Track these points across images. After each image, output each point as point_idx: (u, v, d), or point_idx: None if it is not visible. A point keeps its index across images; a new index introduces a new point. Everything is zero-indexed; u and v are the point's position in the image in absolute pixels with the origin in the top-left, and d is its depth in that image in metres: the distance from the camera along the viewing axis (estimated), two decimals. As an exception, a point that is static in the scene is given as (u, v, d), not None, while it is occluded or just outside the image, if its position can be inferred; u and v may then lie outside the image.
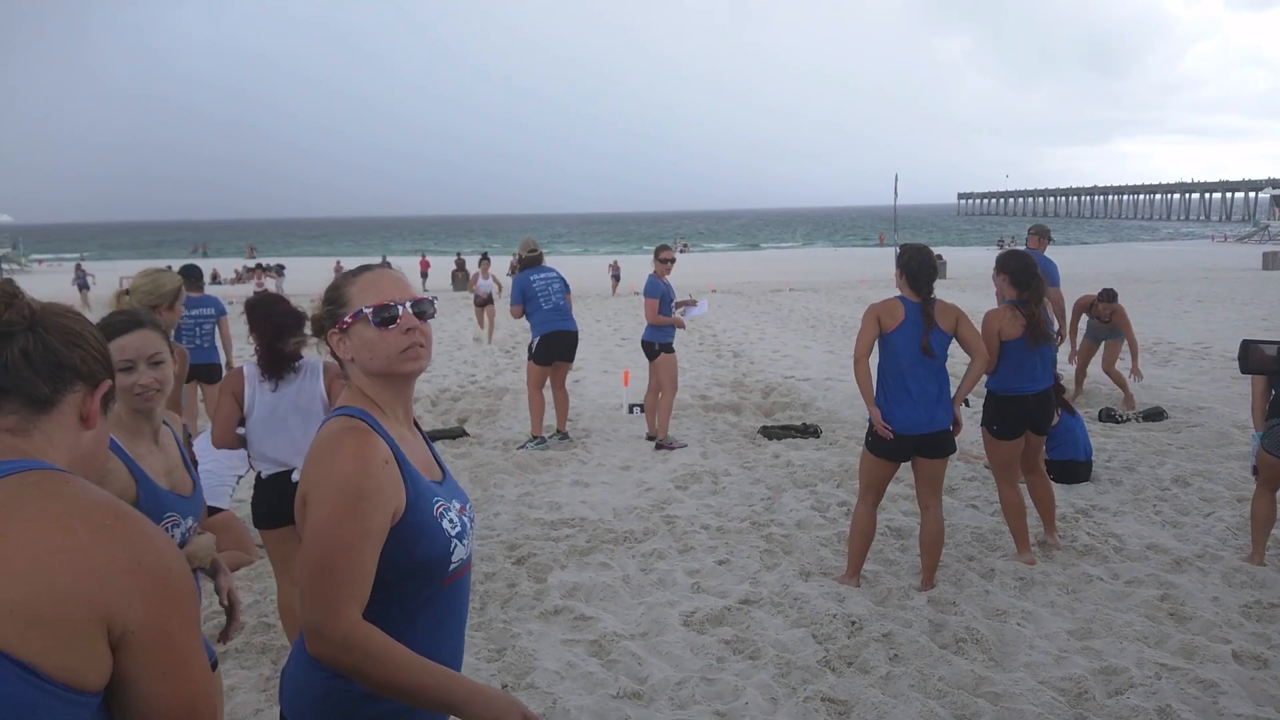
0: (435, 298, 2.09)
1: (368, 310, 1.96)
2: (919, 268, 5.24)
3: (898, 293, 5.34)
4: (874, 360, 5.27)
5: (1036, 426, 5.90)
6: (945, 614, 5.02)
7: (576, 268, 49.24)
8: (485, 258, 19.92)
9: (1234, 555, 5.78)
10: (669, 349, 9.14)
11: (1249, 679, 4.25)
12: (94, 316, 1.75)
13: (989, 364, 5.61)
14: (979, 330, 5.48)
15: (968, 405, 6.54)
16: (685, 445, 9.02)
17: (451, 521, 1.96)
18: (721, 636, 4.80)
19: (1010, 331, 5.67)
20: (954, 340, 5.32)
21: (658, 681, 4.34)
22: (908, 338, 5.16)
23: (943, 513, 5.53)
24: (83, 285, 33.05)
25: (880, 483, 5.43)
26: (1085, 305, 10.54)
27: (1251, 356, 5.50)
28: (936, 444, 5.25)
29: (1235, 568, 5.57)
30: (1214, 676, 4.22)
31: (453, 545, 1.94)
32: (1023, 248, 10.04)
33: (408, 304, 1.99)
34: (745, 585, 5.49)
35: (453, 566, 1.96)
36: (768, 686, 4.27)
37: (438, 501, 1.95)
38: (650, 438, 9.27)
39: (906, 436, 5.20)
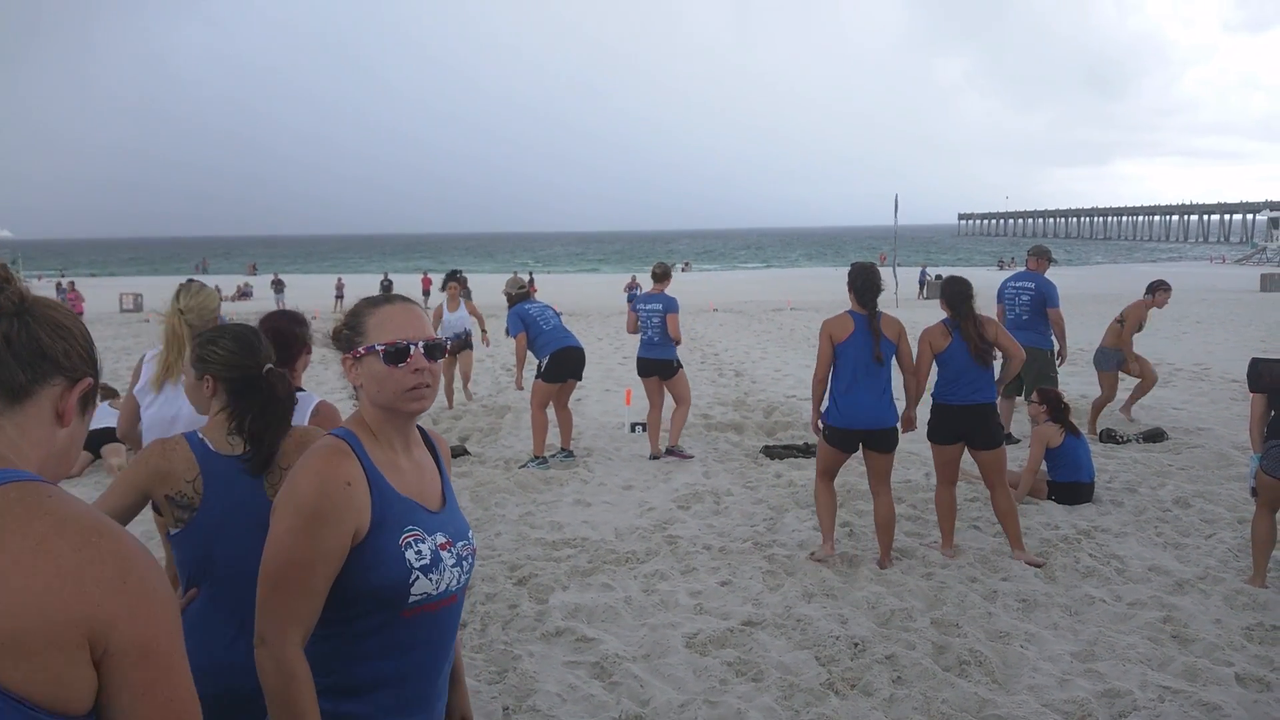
0: (448, 339, 2.14)
1: (380, 347, 2.00)
2: (864, 284, 6.01)
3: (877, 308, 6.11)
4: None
5: (973, 440, 6.30)
6: (948, 636, 5.02)
7: (578, 286, 49.36)
8: (454, 278, 11.89)
9: (1235, 577, 5.78)
10: (680, 363, 9.53)
11: (1252, 702, 4.24)
12: None
13: (919, 375, 6.33)
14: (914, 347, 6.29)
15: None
16: (692, 456, 9.27)
17: (419, 553, 1.95)
18: (724, 658, 4.80)
19: (939, 345, 6.27)
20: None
21: (660, 704, 4.34)
22: (858, 346, 5.95)
23: (892, 496, 6.23)
24: None
25: (832, 468, 6.25)
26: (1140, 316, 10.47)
27: (1262, 374, 5.50)
28: (881, 439, 6.04)
29: (1237, 589, 5.57)
30: (1217, 699, 4.22)
31: (413, 577, 1.93)
32: (1023, 269, 10.09)
33: (420, 344, 2.02)
34: (748, 606, 5.48)
35: (414, 599, 1.94)
36: (771, 709, 4.26)
37: (410, 531, 1.96)
38: (654, 457, 9.29)
39: (855, 431, 6.02)
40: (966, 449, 6.40)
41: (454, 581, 2.03)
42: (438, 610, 2.01)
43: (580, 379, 9.44)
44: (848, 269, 6.26)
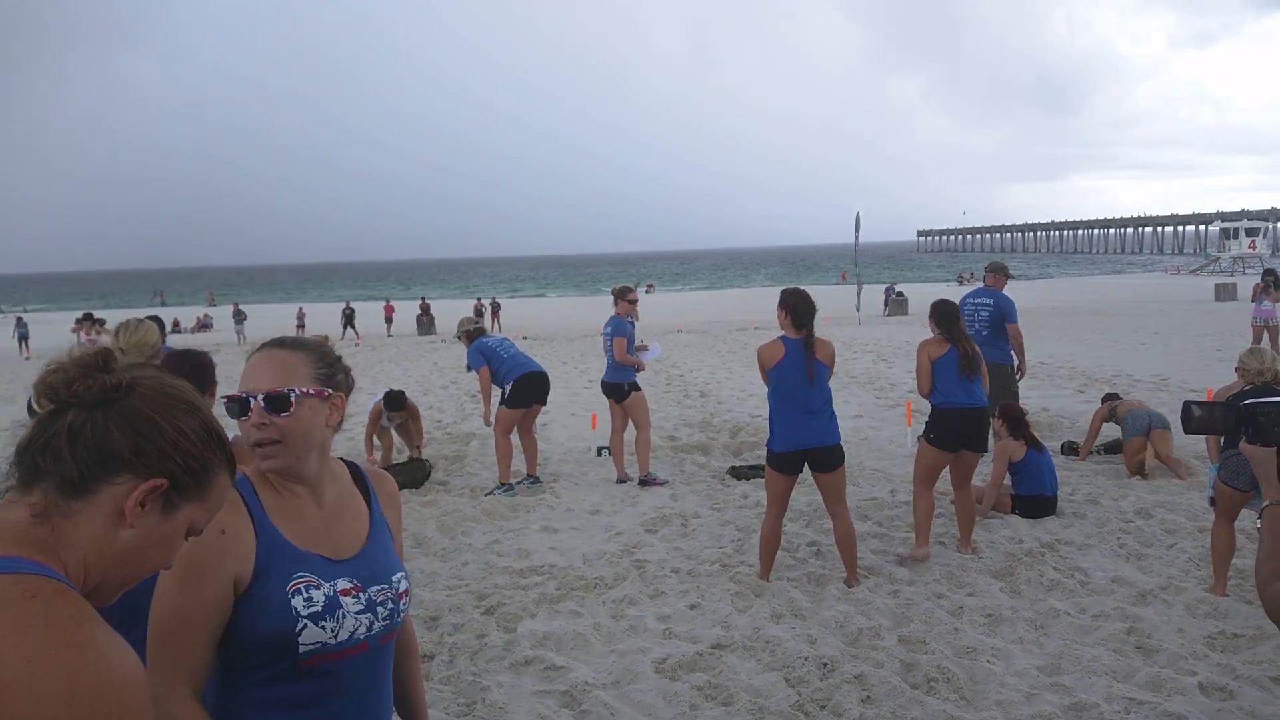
0: (293, 391, 1.91)
1: (223, 400, 1.94)
2: (800, 308, 6.12)
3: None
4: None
5: (972, 443, 6.63)
6: (916, 653, 5.03)
7: (541, 311, 49.30)
8: (398, 406, 10.16)
9: (1197, 586, 5.85)
10: (636, 387, 9.37)
11: (1215, 710, 4.29)
12: None
13: (920, 384, 6.70)
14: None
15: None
16: (668, 481, 9.17)
17: (309, 600, 1.85)
18: (694, 683, 4.78)
19: (936, 352, 6.64)
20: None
21: (631, 731, 4.31)
22: (788, 370, 6.02)
23: (849, 515, 6.27)
24: None
25: (780, 496, 6.20)
26: (1105, 415, 9.70)
27: (1192, 418, 5.23)
28: (824, 458, 6.04)
29: (1198, 599, 5.64)
30: (1181, 709, 4.26)
31: (300, 625, 1.84)
32: (980, 285, 10.21)
33: (259, 397, 1.89)
34: (717, 629, 5.47)
35: (306, 649, 1.85)
36: (741, 732, 4.25)
37: (300, 578, 1.87)
38: (620, 481, 9.28)
39: (794, 452, 6.04)
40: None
41: (361, 629, 1.92)
42: (343, 660, 1.91)
43: (545, 403, 9.42)
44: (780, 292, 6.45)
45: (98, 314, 21.62)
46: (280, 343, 2.02)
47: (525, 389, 9.09)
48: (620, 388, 9.25)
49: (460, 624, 5.68)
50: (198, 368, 3.79)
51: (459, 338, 9.77)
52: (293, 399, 1.91)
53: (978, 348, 6.74)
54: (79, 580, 1.26)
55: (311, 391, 1.94)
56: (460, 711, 4.57)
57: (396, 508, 2.16)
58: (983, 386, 6.73)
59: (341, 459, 2.13)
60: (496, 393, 9.34)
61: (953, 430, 6.58)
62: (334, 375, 2.01)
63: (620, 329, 9.20)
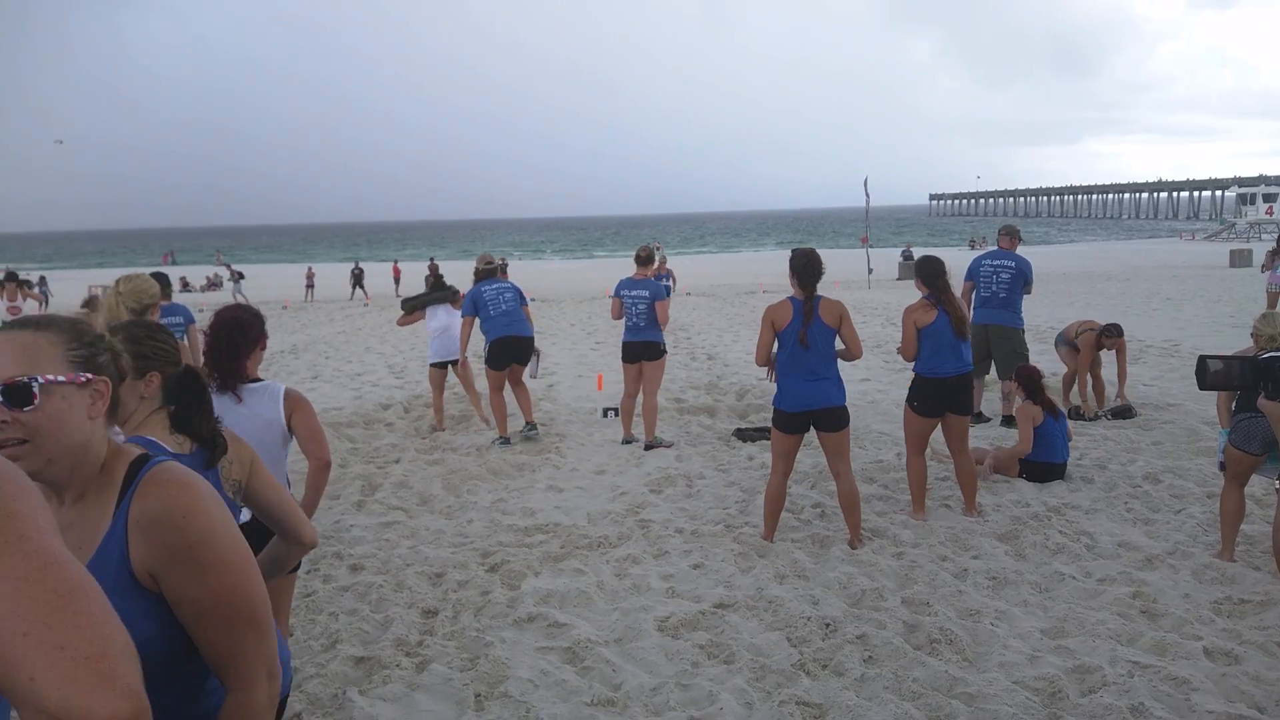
0: (35, 380, 1.61)
1: None
2: (804, 268, 6.10)
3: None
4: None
5: (956, 407, 6.65)
6: (919, 615, 5.02)
7: (550, 272, 49.12)
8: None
9: (1204, 551, 5.82)
10: (666, 348, 9.40)
11: (1220, 675, 4.27)
12: None
13: (906, 352, 6.64)
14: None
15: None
16: (673, 444, 9.12)
17: None
18: (696, 641, 4.78)
19: (924, 320, 6.59)
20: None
21: (632, 688, 4.31)
22: (794, 331, 6.03)
23: (853, 476, 6.27)
24: None
25: (784, 455, 6.22)
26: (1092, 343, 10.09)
27: (1207, 373, 5.08)
28: (827, 419, 6.07)
29: (1205, 564, 5.60)
30: (1186, 673, 4.24)
31: None
32: (994, 247, 10.11)
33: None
34: (720, 589, 5.47)
35: None
36: (743, 691, 4.25)
37: None
38: (626, 442, 9.26)
39: (800, 413, 6.06)
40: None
41: None
42: None
43: (523, 363, 9.52)
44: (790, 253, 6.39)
45: (98, 275, 21.62)
46: (23, 323, 1.69)
47: (500, 353, 9.31)
48: (657, 346, 9.19)
49: (465, 580, 5.69)
50: (260, 316, 4.02)
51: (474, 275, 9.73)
52: (36, 389, 1.60)
53: (964, 308, 6.76)
54: None
55: (63, 379, 1.62)
56: (464, 666, 4.58)
57: (164, 540, 1.66)
58: (969, 345, 6.73)
59: (145, 453, 1.80)
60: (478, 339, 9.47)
61: (935, 397, 6.59)
62: (94, 356, 1.70)
63: (658, 292, 9.17)
